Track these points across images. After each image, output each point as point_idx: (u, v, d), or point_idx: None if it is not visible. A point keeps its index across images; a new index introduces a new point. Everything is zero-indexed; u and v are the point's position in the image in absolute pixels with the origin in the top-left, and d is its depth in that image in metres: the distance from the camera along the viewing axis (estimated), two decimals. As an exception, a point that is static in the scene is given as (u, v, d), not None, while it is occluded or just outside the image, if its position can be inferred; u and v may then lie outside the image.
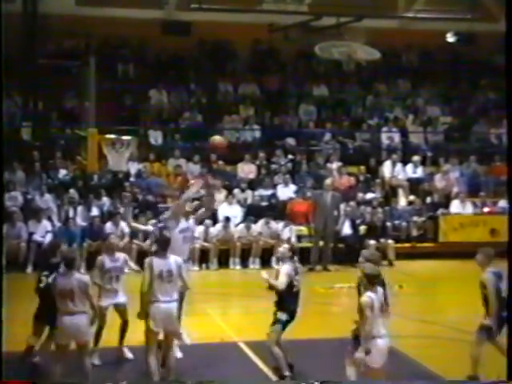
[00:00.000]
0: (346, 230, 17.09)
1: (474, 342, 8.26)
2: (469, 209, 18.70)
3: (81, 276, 7.73)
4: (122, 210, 15.99)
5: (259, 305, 10.91)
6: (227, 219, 16.58)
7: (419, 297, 14.22)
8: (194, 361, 8.74)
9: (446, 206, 18.68)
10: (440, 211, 18.52)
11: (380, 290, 7.08)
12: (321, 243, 16.36)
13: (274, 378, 8.40)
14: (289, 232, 16.72)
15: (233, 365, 9.02)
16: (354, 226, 17.18)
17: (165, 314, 7.66)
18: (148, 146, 19.31)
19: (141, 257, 12.31)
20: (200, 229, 16.41)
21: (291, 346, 9.51)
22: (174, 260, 7.82)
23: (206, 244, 16.14)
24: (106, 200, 16.89)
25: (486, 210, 18.96)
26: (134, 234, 15.55)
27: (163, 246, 7.89)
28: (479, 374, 8.10)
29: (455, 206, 18.60)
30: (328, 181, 17.00)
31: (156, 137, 19.72)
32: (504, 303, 7.92)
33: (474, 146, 21.19)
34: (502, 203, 18.77)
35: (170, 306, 7.73)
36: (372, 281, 6.97)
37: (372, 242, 16.70)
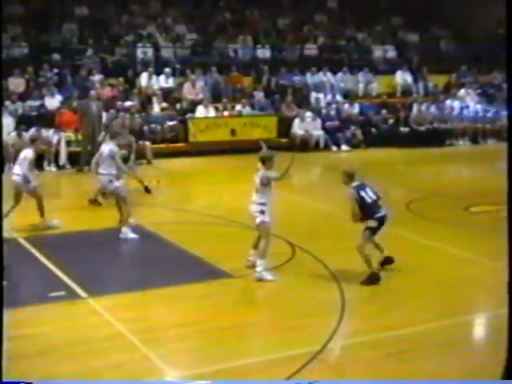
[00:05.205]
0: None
1: (360, 244, 8.93)
2: (212, 113, 21.09)
3: None
4: None
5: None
6: (-1, 129, 17.08)
7: (175, 189, 16.06)
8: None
9: (193, 111, 20.92)
10: (188, 115, 20.80)
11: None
12: (89, 147, 17.41)
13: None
14: (57, 138, 18.15)
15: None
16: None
17: None
18: None
19: None
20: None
21: (70, 238, 11.01)
22: None
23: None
24: None
25: (226, 113, 21.49)
26: None
27: None
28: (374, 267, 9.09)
29: (201, 111, 20.84)
30: (93, 92, 18.54)
31: None
32: (373, 206, 8.92)
33: (215, 59, 23.58)
34: (238, 107, 21.60)
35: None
36: None
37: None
